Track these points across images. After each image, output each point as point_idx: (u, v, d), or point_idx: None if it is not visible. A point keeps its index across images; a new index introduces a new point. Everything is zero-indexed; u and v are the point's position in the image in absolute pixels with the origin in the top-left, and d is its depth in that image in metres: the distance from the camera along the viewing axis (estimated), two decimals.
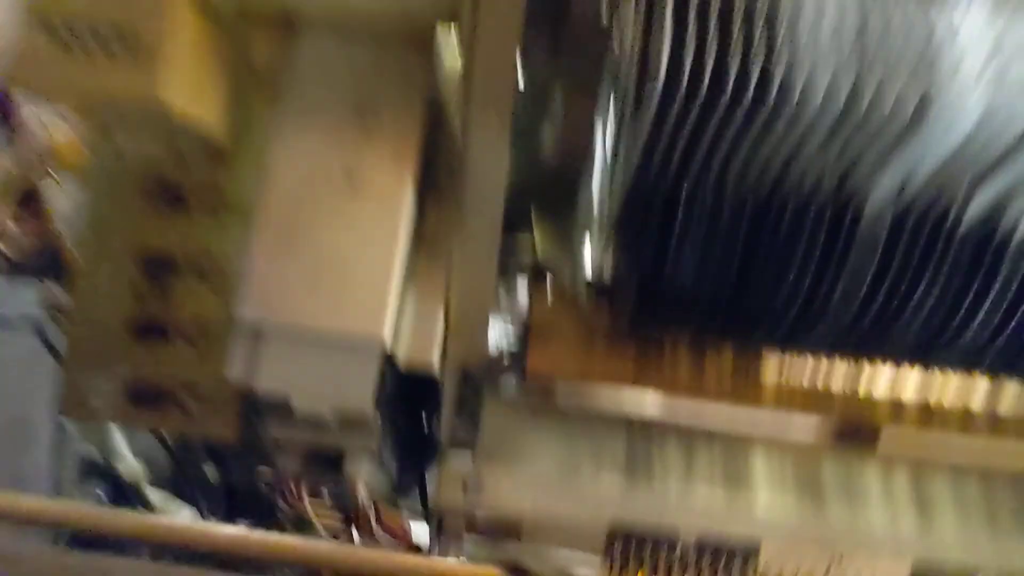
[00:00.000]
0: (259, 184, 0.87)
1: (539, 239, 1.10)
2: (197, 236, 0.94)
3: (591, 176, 1.11)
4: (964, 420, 1.09)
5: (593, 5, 0.80)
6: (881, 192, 0.79)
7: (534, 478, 1.07)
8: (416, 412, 1.12)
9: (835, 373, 1.09)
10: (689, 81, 0.67)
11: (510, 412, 1.11)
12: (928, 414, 1.09)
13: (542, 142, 1.03)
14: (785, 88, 0.67)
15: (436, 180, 0.94)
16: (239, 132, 0.95)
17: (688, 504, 1.05)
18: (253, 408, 0.90)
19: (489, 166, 0.82)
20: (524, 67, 0.98)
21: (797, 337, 0.93)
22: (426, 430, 1.19)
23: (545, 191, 1.08)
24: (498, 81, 0.77)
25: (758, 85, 0.66)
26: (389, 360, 0.87)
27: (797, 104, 0.67)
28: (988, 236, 0.81)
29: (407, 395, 1.01)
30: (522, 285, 1.17)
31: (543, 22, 0.86)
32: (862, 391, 1.09)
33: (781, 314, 0.88)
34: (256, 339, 0.84)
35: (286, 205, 0.86)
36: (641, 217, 0.87)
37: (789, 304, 0.87)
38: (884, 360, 0.97)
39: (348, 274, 0.84)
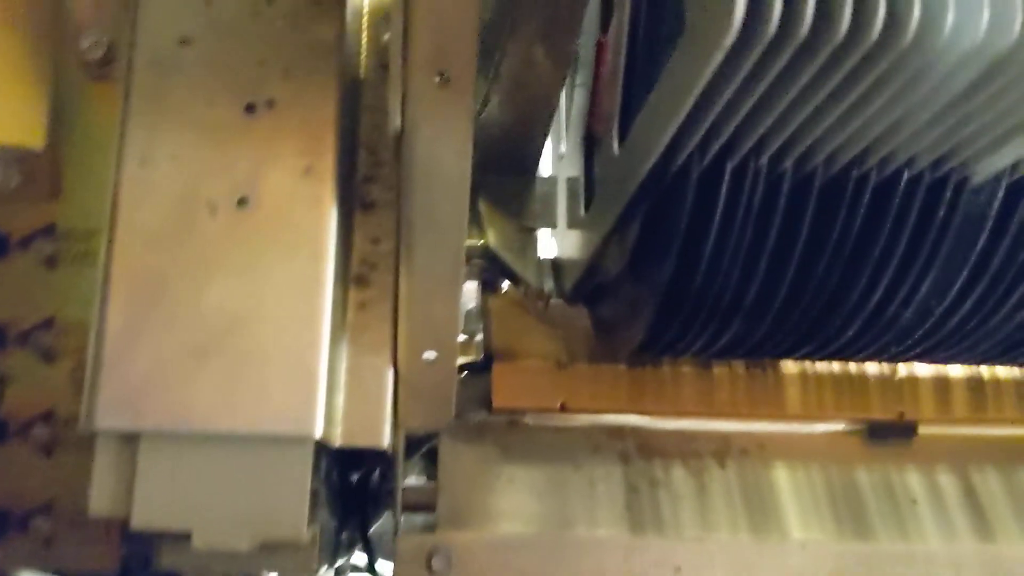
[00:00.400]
0: (109, 223, 0.58)
1: (492, 237, 0.85)
2: (32, 297, 0.65)
3: (556, 142, 0.87)
4: (1017, 405, 0.90)
5: None
6: (994, 165, 0.57)
7: (516, 543, 0.83)
8: (355, 457, 0.87)
9: (865, 368, 0.89)
10: (781, 23, 0.42)
11: (476, 457, 0.87)
12: (976, 402, 0.90)
13: (488, 114, 0.77)
14: (920, 27, 0.43)
15: (361, 188, 0.67)
16: (77, 153, 0.66)
17: (708, 557, 0.83)
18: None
19: (445, 167, 0.56)
20: None
21: (854, 348, 0.71)
22: (368, 478, 0.94)
23: (493, 175, 0.83)
24: (455, 43, 0.51)
25: (886, 24, 0.42)
26: (322, 445, 0.61)
27: (930, 51, 0.44)
28: None
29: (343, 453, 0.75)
30: (471, 289, 0.93)
31: None
32: (898, 383, 0.89)
33: (847, 320, 0.66)
34: (125, 455, 0.56)
35: (151, 251, 0.58)
36: (660, 209, 0.62)
37: (857, 308, 0.65)
38: (951, 363, 0.77)
39: (253, 347, 0.57)
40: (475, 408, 0.87)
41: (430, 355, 0.64)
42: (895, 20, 0.42)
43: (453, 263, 0.60)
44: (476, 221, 0.89)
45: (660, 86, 0.53)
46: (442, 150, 0.55)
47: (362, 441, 0.62)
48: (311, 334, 0.57)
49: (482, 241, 0.89)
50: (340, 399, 0.62)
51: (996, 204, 0.59)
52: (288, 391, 0.56)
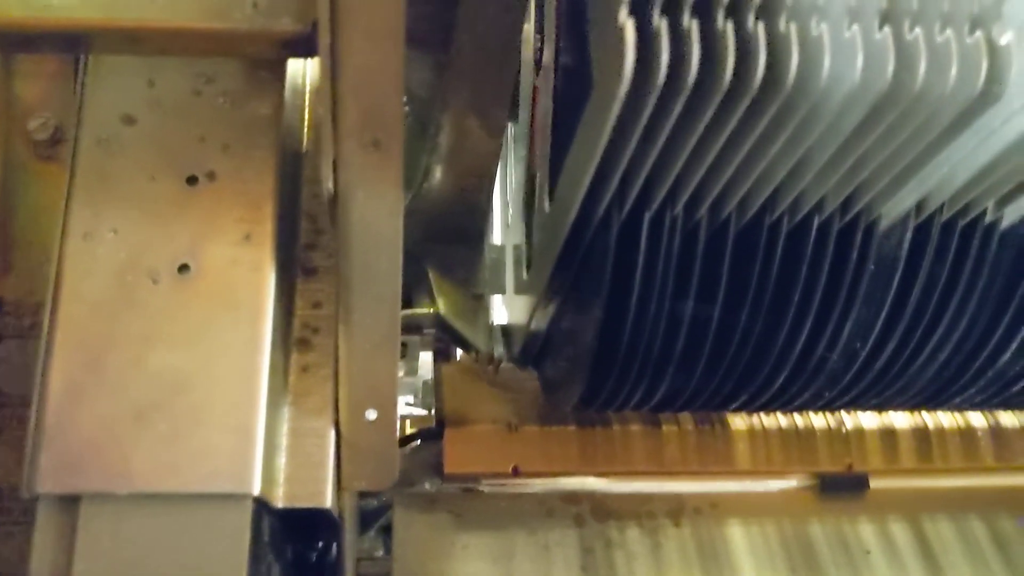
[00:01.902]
0: (52, 294, 0.60)
1: (442, 306, 0.87)
2: None
3: (504, 211, 0.90)
4: (963, 453, 0.91)
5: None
6: (898, 206, 0.60)
7: None
8: (310, 532, 0.86)
9: (813, 421, 0.90)
10: (668, 71, 0.45)
11: (430, 525, 0.87)
12: (923, 452, 0.91)
13: (431, 185, 0.80)
14: (797, 78, 0.46)
15: (303, 255, 0.70)
16: (24, 231, 0.68)
17: None
18: None
19: (379, 227, 0.58)
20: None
21: (787, 395, 0.72)
22: (326, 554, 0.93)
23: (441, 244, 0.85)
24: (382, 109, 0.53)
25: (767, 72, 0.45)
26: (264, 505, 0.62)
27: (811, 96, 0.47)
28: None
29: (295, 519, 0.75)
30: (427, 363, 0.95)
31: (425, 28, 0.64)
32: (845, 436, 0.90)
33: (777, 366, 0.68)
34: (66, 518, 0.57)
35: (94, 321, 0.60)
36: (587, 262, 0.65)
37: (784, 353, 0.67)
38: (887, 409, 0.78)
39: (193, 409, 0.58)
40: (429, 476, 0.88)
41: (371, 415, 0.65)
42: (775, 67, 0.45)
43: (390, 322, 0.62)
44: (427, 290, 0.92)
45: (576, 141, 0.56)
46: (375, 212, 0.57)
47: (305, 502, 0.63)
48: (249, 394, 0.58)
49: (433, 310, 0.91)
50: (282, 461, 0.63)
51: (906, 246, 0.62)
52: (226, 451, 0.57)
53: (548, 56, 0.73)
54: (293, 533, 0.77)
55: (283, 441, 0.64)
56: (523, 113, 0.84)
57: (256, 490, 0.57)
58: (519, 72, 0.78)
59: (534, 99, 0.78)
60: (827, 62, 0.45)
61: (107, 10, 0.61)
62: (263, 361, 0.59)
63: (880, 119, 0.49)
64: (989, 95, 0.47)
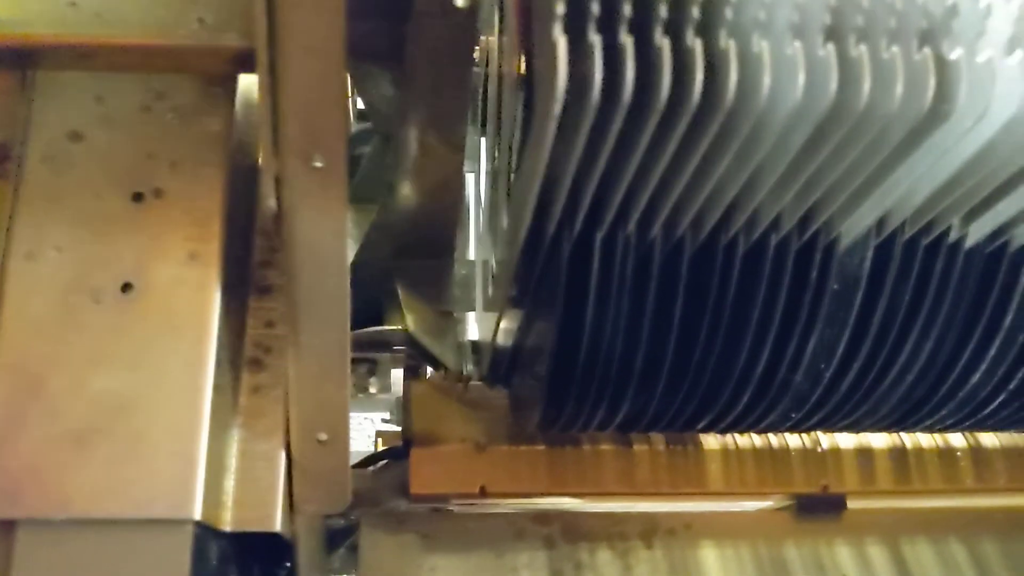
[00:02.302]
0: None
1: (412, 322, 0.85)
2: None
3: (466, 236, 0.88)
4: (942, 474, 0.89)
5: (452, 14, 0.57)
6: (857, 224, 0.58)
7: None
8: (276, 554, 0.85)
9: (788, 441, 0.89)
10: (602, 89, 0.44)
11: (397, 546, 0.85)
12: (901, 473, 0.89)
13: (397, 200, 0.79)
14: (739, 91, 0.44)
15: (257, 273, 0.68)
16: None
17: None
18: None
19: (324, 247, 0.57)
20: (365, 107, 0.75)
21: (753, 416, 0.71)
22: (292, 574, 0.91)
23: (409, 260, 0.84)
24: (324, 128, 0.52)
25: (705, 89, 0.44)
26: (209, 530, 0.60)
27: (752, 113, 0.45)
28: (997, 256, 0.61)
29: (254, 543, 0.74)
30: (400, 379, 0.93)
31: (380, 42, 0.62)
32: (821, 456, 0.89)
33: (739, 387, 0.66)
34: (1, 544, 0.56)
35: (36, 341, 0.58)
36: (542, 280, 0.63)
37: (746, 375, 0.65)
38: (860, 431, 0.77)
39: (135, 433, 0.56)
40: (396, 496, 0.86)
41: (322, 436, 0.63)
42: (713, 85, 0.44)
43: (339, 343, 0.61)
44: (396, 307, 0.90)
45: (523, 160, 0.55)
46: (320, 232, 0.56)
47: (253, 525, 0.61)
48: (192, 418, 0.57)
49: (402, 326, 0.90)
50: (230, 483, 0.62)
51: (868, 265, 0.60)
52: (167, 475, 0.56)
53: (508, 68, 0.71)
54: (256, 555, 0.76)
55: (232, 463, 0.63)
56: (491, 126, 0.83)
57: (197, 515, 0.56)
58: (484, 85, 0.77)
59: (498, 111, 0.77)
60: (767, 79, 0.44)
61: (56, 26, 0.60)
62: (207, 383, 0.58)
63: (827, 137, 0.47)
64: (938, 113, 0.46)
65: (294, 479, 0.65)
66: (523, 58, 0.65)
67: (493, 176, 0.82)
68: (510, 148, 0.70)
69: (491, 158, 0.84)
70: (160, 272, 0.60)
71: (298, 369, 0.62)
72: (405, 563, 0.84)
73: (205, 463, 0.57)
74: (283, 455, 0.64)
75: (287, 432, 0.64)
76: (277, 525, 0.62)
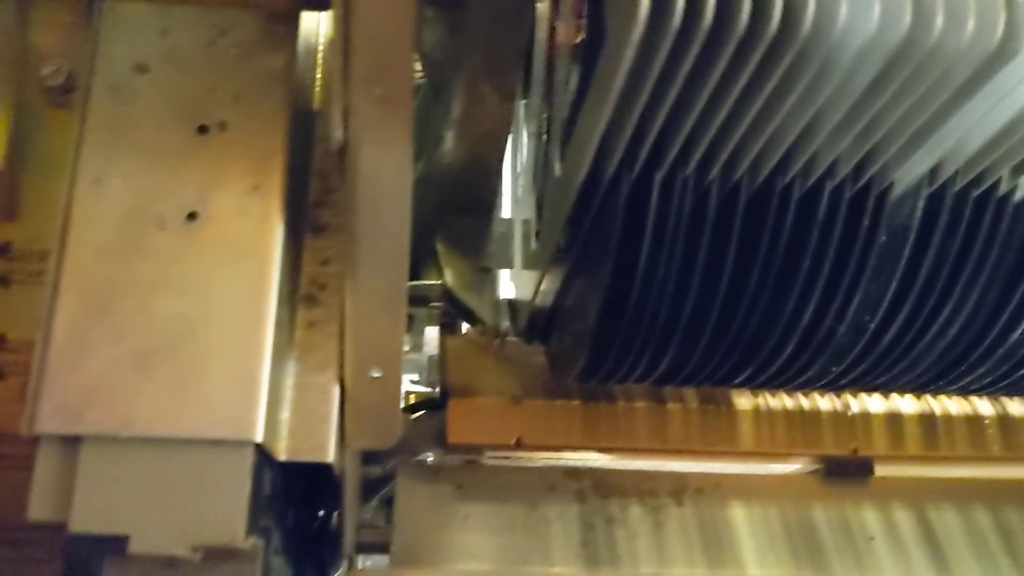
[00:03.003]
0: (60, 238, 0.60)
1: (450, 278, 0.87)
2: None
3: (513, 186, 0.90)
4: (969, 442, 0.91)
5: None
6: (911, 172, 0.59)
7: None
8: (311, 499, 0.86)
9: (819, 404, 0.90)
10: (684, 14, 0.45)
11: (432, 495, 0.87)
12: (929, 439, 0.90)
13: (442, 152, 0.80)
14: (816, 20, 0.46)
15: (312, 212, 0.70)
16: (34, 178, 0.68)
17: None
18: (81, 547, 0.63)
19: (386, 181, 0.58)
20: (418, 55, 0.76)
21: (793, 370, 0.72)
22: (327, 522, 0.93)
23: (451, 215, 0.85)
24: (392, 61, 0.53)
25: (784, 16, 0.45)
26: (266, 456, 0.61)
27: (826, 45, 0.46)
28: None
29: (296, 482, 0.75)
30: (433, 336, 0.94)
31: None
32: (851, 419, 0.90)
33: (783, 337, 0.67)
34: (66, 460, 0.57)
35: (100, 265, 0.59)
36: (595, 228, 0.65)
37: (791, 324, 0.67)
38: (893, 390, 0.78)
39: (197, 356, 0.58)
40: (432, 446, 0.87)
41: (375, 373, 0.64)
42: (792, 12, 0.45)
43: (397, 279, 0.62)
44: (434, 263, 0.92)
45: (588, 97, 0.56)
46: (383, 166, 0.57)
47: (307, 455, 0.63)
48: (254, 342, 0.58)
49: (440, 281, 0.91)
50: (286, 414, 0.63)
51: (918, 215, 0.61)
52: (230, 397, 0.57)
53: (564, 33, 0.72)
54: (295, 497, 0.77)
55: (287, 395, 0.64)
56: (536, 90, 0.84)
57: (259, 437, 0.57)
58: (532, 46, 0.78)
59: (548, 76, 0.78)
60: (844, 9, 0.45)
61: None
62: (269, 311, 0.59)
63: (894, 74, 0.49)
64: (1006, 51, 0.47)
65: (346, 413, 0.66)
66: (580, 24, 0.66)
67: (538, 137, 0.83)
68: (563, 108, 0.71)
69: (534, 120, 0.85)
70: (223, 203, 0.61)
71: (355, 304, 0.63)
72: (439, 512, 0.85)
73: (267, 387, 0.58)
74: (336, 389, 0.65)
75: (340, 367, 0.66)
76: (330, 456, 0.63)
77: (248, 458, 0.57)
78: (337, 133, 0.58)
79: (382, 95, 0.53)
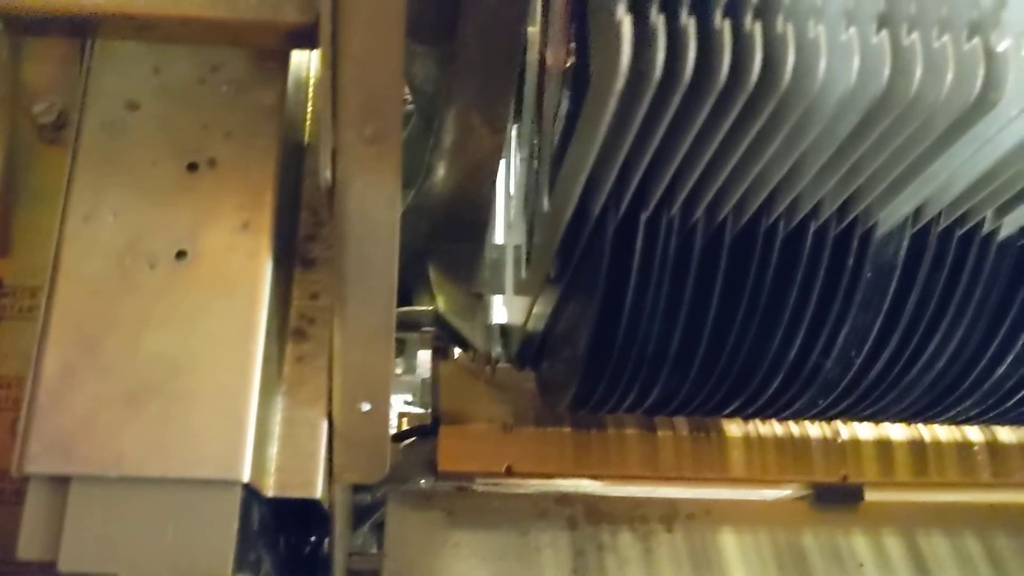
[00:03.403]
0: (51, 275, 0.61)
1: (442, 304, 0.87)
2: None
3: (506, 211, 0.90)
4: (959, 468, 0.91)
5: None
6: (895, 213, 0.60)
7: None
8: (303, 525, 0.87)
9: (808, 431, 0.90)
10: (664, 68, 0.45)
11: (422, 522, 0.87)
12: (918, 465, 0.91)
13: (433, 182, 0.80)
14: (795, 75, 0.46)
15: (302, 246, 0.70)
16: (26, 213, 0.69)
17: None
18: None
19: (375, 218, 0.59)
20: (408, 87, 0.77)
21: (782, 402, 0.72)
22: (319, 548, 0.93)
23: (443, 242, 0.86)
24: (381, 100, 0.54)
25: (762, 72, 0.46)
26: (254, 493, 0.62)
27: (806, 97, 0.47)
28: None
29: (287, 511, 0.75)
30: (425, 362, 0.95)
31: (429, 20, 0.64)
32: (841, 446, 0.90)
33: (771, 371, 0.68)
34: (56, 499, 0.57)
35: (90, 303, 0.60)
36: (583, 262, 0.65)
37: (778, 359, 0.67)
38: (883, 421, 0.78)
39: (185, 394, 0.58)
40: (423, 473, 0.88)
41: (364, 407, 0.65)
42: (771, 65, 0.45)
43: (385, 314, 0.62)
44: (427, 287, 0.92)
45: (574, 137, 0.57)
46: (372, 203, 0.58)
47: (295, 491, 0.63)
48: (242, 381, 0.59)
49: (432, 307, 0.91)
50: (274, 450, 0.63)
51: (903, 254, 0.62)
52: (217, 436, 0.57)
53: (554, 58, 0.73)
54: (285, 525, 0.77)
55: (276, 430, 0.64)
56: (527, 116, 0.84)
57: (246, 477, 0.57)
58: (523, 72, 0.78)
59: (538, 100, 0.78)
60: (823, 63, 0.46)
61: None
62: (257, 348, 0.60)
63: (875, 123, 0.49)
64: (985, 102, 0.47)
65: (335, 448, 0.66)
66: (570, 49, 0.67)
67: (530, 163, 0.83)
68: (551, 135, 0.71)
69: (525, 146, 0.85)
70: (213, 240, 0.62)
71: (344, 339, 0.64)
72: (430, 539, 0.85)
73: (254, 423, 0.58)
74: (325, 424, 0.65)
75: (329, 401, 0.66)
76: (318, 492, 0.64)
77: (235, 497, 0.58)
78: (326, 172, 0.58)
79: (372, 134, 0.54)
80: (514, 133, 0.92)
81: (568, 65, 0.68)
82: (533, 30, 0.81)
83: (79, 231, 0.62)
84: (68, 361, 0.59)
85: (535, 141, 0.81)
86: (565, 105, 0.69)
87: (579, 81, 0.64)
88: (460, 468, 0.85)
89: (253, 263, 0.62)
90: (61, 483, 0.57)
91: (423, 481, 0.86)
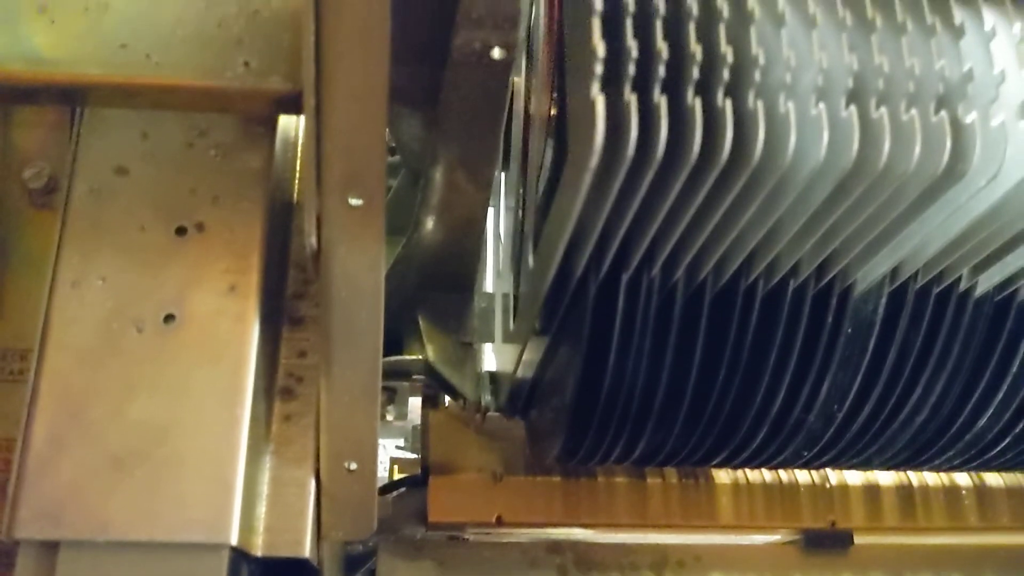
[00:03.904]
0: (40, 341, 0.62)
1: (431, 353, 0.88)
2: None
3: (495, 259, 0.91)
4: (947, 512, 0.91)
5: (490, 62, 0.60)
6: (872, 273, 0.61)
7: None
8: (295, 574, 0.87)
9: (797, 477, 0.91)
10: (636, 145, 0.46)
11: (413, 572, 0.87)
12: (906, 510, 0.91)
13: (421, 235, 0.81)
14: (765, 149, 0.47)
15: (290, 304, 0.71)
16: (17, 277, 0.70)
17: None
18: None
19: (360, 283, 0.60)
20: (395, 144, 0.78)
21: (767, 454, 0.73)
22: None
23: (432, 292, 0.86)
24: (365, 168, 0.55)
25: (734, 147, 0.47)
26: (242, 554, 0.62)
27: (778, 170, 0.48)
28: (1006, 306, 0.63)
29: (278, 565, 0.76)
30: (416, 407, 0.95)
31: (413, 86, 0.65)
32: (829, 492, 0.91)
33: (755, 426, 0.68)
34: (45, 563, 0.58)
35: (79, 368, 0.61)
36: (567, 318, 0.66)
37: (762, 414, 0.68)
38: (869, 469, 0.79)
39: (173, 459, 0.59)
40: (413, 523, 0.88)
41: (351, 465, 0.66)
42: (742, 142, 0.46)
43: (370, 375, 0.63)
44: (417, 335, 0.93)
45: (554, 203, 0.57)
46: (357, 268, 0.59)
47: (284, 551, 0.64)
48: (229, 445, 0.59)
49: (422, 356, 0.92)
50: (262, 510, 0.64)
51: (881, 311, 0.63)
52: (205, 500, 0.58)
53: (537, 108, 0.74)
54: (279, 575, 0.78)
55: (264, 489, 0.65)
56: (514, 164, 0.86)
57: (234, 540, 0.58)
58: (509, 124, 0.80)
59: (524, 149, 0.80)
60: (793, 139, 0.46)
61: (105, 67, 0.63)
62: (244, 412, 0.60)
63: (847, 193, 0.50)
64: (954, 172, 0.48)
65: (323, 506, 0.67)
66: (553, 99, 0.68)
67: (516, 212, 0.84)
68: (536, 185, 0.72)
69: (513, 193, 0.87)
70: (201, 303, 0.63)
71: (329, 400, 0.64)
72: None
73: (242, 488, 0.59)
74: (313, 482, 0.66)
75: (317, 460, 0.67)
76: (307, 551, 0.64)
77: (223, 560, 0.58)
78: (311, 239, 0.59)
79: (356, 201, 0.55)
80: (502, 180, 0.93)
81: (551, 115, 0.69)
82: (518, 80, 0.83)
83: (68, 296, 0.62)
84: (56, 427, 0.59)
85: (521, 190, 0.82)
86: (549, 155, 0.70)
87: (561, 131, 0.65)
88: (450, 518, 0.85)
89: (240, 326, 0.63)
90: (50, 548, 0.58)
91: (414, 531, 0.87)
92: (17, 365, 0.68)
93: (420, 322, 0.91)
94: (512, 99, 0.78)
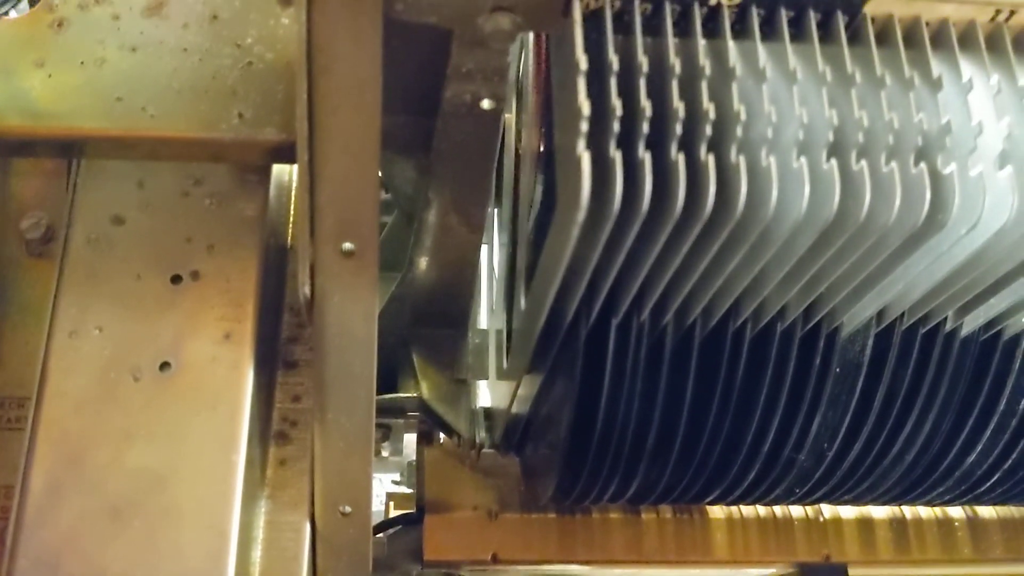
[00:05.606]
0: (37, 391, 0.62)
1: (426, 390, 0.89)
2: None
3: (489, 295, 0.92)
4: (940, 545, 0.92)
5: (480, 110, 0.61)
6: (858, 315, 0.62)
7: None
8: None
9: (791, 512, 0.92)
10: (622, 200, 0.47)
11: None
12: (900, 543, 0.92)
13: (415, 274, 0.82)
14: (748, 203, 0.48)
15: (285, 348, 0.72)
16: (14, 326, 0.71)
17: None
18: None
19: (353, 331, 0.61)
20: (388, 188, 0.79)
21: (759, 492, 0.74)
22: None
23: (426, 332, 0.87)
24: (358, 217, 0.56)
25: (717, 201, 0.48)
26: None
27: (761, 223, 0.49)
28: (991, 345, 0.65)
29: None
30: (411, 443, 0.96)
31: (405, 135, 0.66)
32: (823, 525, 0.91)
33: (746, 464, 0.69)
34: None
35: (76, 417, 0.62)
36: (559, 360, 0.67)
37: (753, 453, 0.69)
38: (861, 504, 0.80)
39: (169, 507, 0.60)
40: (409, 561, 0.89)
41: (345, 509, 0.66)
42: (724, 197, 0.48)
43: (364, 421, 0.64)
44: (411, 372, 0.94)
45: (543, 251, 0.59)
46: (350, 316, 0.60)
47: None
48: (225, 493, 0.60)
49: (416, 394, 0.93)
50: (257, 555, 0.64)
51: (868, 352, 0.64)
52: (200, 550, 0.59)
53: (528, 143, 0.76)
54: None
55: (259, 534, 0.66)
56: (506, 200, 0.87)
57: None
58: (501, 160, 0.81)
59: (515, 185, 0.81)
60: (775, 192, 0.48)
61: (102, 120, 0.64)
62: (239, 460, 0.61)
63: (829, 243, 0.51)
64: (934, 223, 0.49)
65: (317, 550, 0.68)
66: (542, 135, 0.70)
67: (508, 249, 0.85)
68: (527, 219, 0.74)
69: (506, 230, 0.88)
70: (196, 351, 0.64)
71: (323, 445, 0.65)
72: None
73: (236, 537, 0.60)
74: (308, 527, 0.67)
75: (312, 504, 0.67)
76: None
77: None
78: (304, 288, 0.60)
79: (349, 250, 0.56)
80: (495, 216, 0.94)
81: (541, 150, 0.71)
82: (508, 116, 0.84)
83: (65, 346, 0.63)
84: (54, 476, 0.60)
85: (514, 227, 0.83)
86: (539, 190, 0.71)
87: (550, 168, 0.66)
88: (446, 556, 0.86)
89: (235, 373, 0.64)
90: None
91: (410, 569, 0.87)
92: (15, 413, 0.68)
93: (414, 359, 0.92)
94: (503, 135, 0.80)
